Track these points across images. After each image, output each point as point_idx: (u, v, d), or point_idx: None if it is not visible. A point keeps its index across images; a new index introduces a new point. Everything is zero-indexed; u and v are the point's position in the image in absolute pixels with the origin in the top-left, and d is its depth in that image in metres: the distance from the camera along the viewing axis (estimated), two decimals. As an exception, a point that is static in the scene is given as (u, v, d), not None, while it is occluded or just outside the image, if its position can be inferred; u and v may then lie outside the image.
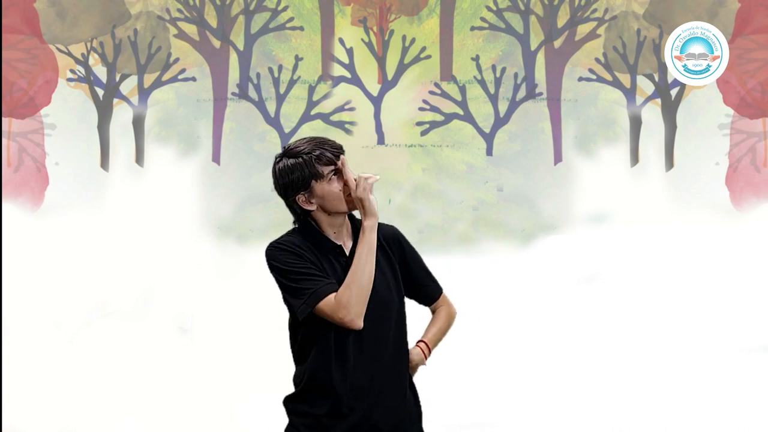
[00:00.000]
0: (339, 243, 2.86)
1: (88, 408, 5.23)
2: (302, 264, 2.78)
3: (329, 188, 2.80)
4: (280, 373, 4.90)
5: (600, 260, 5.47)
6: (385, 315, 2.84)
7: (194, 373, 5.29)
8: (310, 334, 2.82)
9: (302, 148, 2.81)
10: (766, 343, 5.35)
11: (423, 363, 2.99)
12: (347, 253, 2.85)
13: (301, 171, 2.79)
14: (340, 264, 2.83)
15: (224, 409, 5.20)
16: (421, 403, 2.99)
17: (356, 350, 2.79)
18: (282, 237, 2.88)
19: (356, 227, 2.90)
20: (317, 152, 2.79)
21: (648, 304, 5.39)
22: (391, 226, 3.00)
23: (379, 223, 2.88)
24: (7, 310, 5.29)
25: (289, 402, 2.90)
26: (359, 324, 2.73)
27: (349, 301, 2.71)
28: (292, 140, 2.90)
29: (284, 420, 2.92)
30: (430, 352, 3.01)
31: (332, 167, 2.81)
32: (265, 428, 5.01)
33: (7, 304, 5.29)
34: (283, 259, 2.80)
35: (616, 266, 5.46)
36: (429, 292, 3.05)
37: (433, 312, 3.10)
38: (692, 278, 5.41)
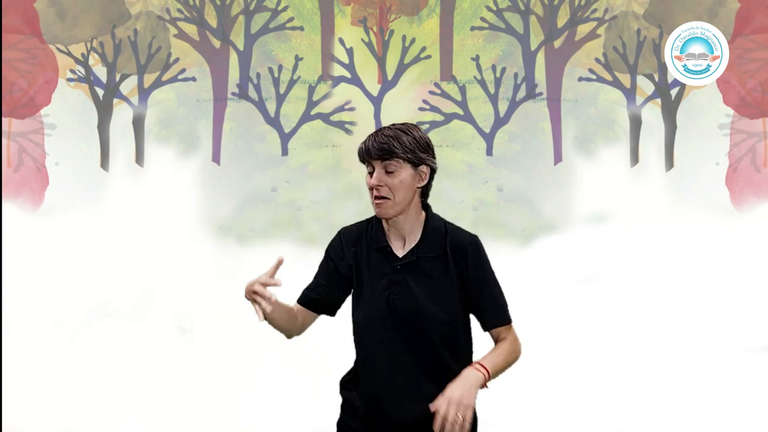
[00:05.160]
0: (386, 243, 2.78)
1: (88, 408, 5.23)
2: (323, 261, 2.86)
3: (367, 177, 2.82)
4: (280, 372, 4.91)
5: (600, 260, 5.47)
6: (419, 325, 2.72)
7: (194, 373, 5.28)
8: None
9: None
10: (766, 343, 5.35)
11: (482, 385, 2.72)
12: (399, 255, 2.76)
13: None
14: (389, 263, 2.75)
15: (224, 409, 5.20)
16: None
17: (374, 352, 2.76)
18: (358, 222, 2.89)
19: (433, 228, 2.82)
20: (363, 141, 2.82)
21: (648, 304, 5.39)
22: (470, 236, 2.83)
23: (460, 229, 2.84)
24: (7, 310, 5.29)
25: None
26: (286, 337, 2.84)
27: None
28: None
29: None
30: (488, 374, 2.73)
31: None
32: (265, 428, 5.02)
33: (7, 304, 5.29)
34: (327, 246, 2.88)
35: (616, 266, 5.46)
36: (485, 316, 2.82)
37: (495, 342, 2.86)
38: (692, 278, 5.40)
